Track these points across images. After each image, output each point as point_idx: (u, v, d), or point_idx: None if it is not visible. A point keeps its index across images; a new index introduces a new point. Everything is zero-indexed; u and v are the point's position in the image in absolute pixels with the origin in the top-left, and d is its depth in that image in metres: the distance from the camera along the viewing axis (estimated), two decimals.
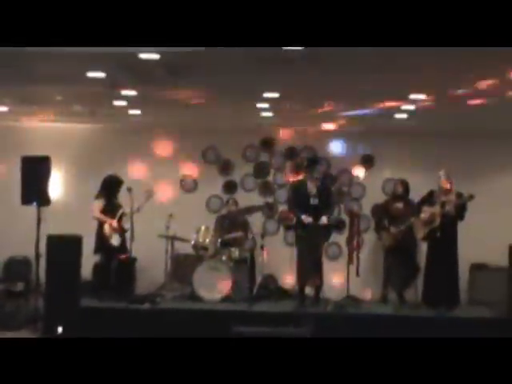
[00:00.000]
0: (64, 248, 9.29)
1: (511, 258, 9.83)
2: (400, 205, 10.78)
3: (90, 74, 7.44)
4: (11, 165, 10.05)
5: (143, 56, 6.39)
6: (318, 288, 10.18)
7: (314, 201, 10.18)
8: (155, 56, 6.40)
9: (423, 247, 10.60)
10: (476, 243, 11.06)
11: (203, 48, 5.74)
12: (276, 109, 10.03)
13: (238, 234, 11.16)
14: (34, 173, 9.49)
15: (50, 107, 10.43)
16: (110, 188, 10.42)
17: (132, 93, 8.66)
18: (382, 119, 10.70)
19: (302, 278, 10.13)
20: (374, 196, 11.85)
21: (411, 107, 9.42)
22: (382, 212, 11.15)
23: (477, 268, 11.53)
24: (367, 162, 12.22)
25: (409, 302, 10.42)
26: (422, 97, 8.59)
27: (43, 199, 9.47)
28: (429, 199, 10.12)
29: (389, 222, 10.81)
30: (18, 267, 11.41)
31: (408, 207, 10.64)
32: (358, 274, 10.00)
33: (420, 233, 10.20)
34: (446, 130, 11.20)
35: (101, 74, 7.42)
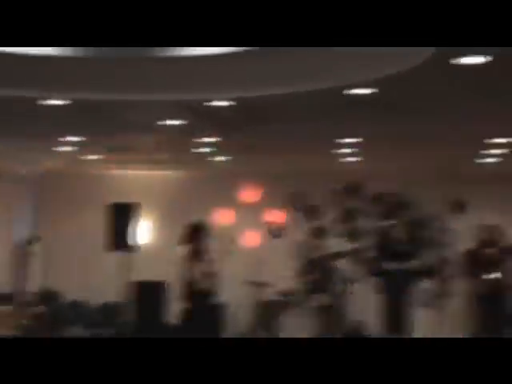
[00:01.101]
0: (151, 293, 9.46)
1: None
2: (493, 251, 10.45)
3: (170, 122, 7.61)
4: (102, 211, 10.32)
5: (215, 103, 6.50)
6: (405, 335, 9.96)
7: (401, 246, 10.02)
8: (226, 103, 6.51)
9: None
10: None
11: (278, 91, 5.81)
12: (360, 153, 9.99)
13: (325, 280, 11.05)
14: (123, 219, 9.72)
15: (139, 155, 10.70)
16: (196, 234, 10.54)
17: (212, 139, 8.80)
18: (470, 163, 10.52)
19: (388, 326, 9.94)
20: (466, 242, 11.53)
21: (498, 151, 9.22)
22: (473, 258, 10.83)
23: None
24: (459, 207, 11.97)
25: None
26: (503, 141, 8.40)
27: (132, 245, 9.66)
28: None
29: (481, 268, 10.48)
30: (110, 312, 11.64)
31: (501, 253, 10.30)
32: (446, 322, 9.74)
33: None
34: None
35: (178, 122, 7.58)
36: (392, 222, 10.50)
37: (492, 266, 10.29)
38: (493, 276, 10.22)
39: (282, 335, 10.38)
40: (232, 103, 6.64)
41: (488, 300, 10.30)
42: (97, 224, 10.60)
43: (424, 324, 10.00)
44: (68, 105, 7.02)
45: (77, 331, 11.16)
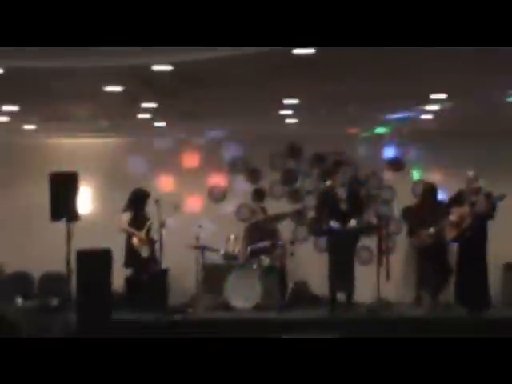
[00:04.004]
0: (94, 262, 9.37)
1: None
2: (429, 207, 10.65)
3: (108, 89, 7.50)
4: (40, 181, 10.14)
5: (156, 68, 6.43)
6: (350, 293, 10.13)
7: (343, 206, 10.15)
8: (168, 67, 6.44)
9: (455, 248, 10.45)
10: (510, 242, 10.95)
11: (216, 55, 5.79)
12: (300, 115, 10.02)
13: (268, 241, 11.14)
14: (63, 189, 9.57)
15: (76, 123, 10.53)
16: (137, 201, 10.48)
17: (152, 105, 8.71)
18: (408, 121, 10.66)
19: (333, 284, 10.09)
20: (405, 199, 11.74)
21: (435, 107, 9.35)
22: (412, 214, 11.04)
23: (510, 268, 11.37)
24: (396, 164, 12.15)
25: (443, 304, 10.31)
26: (443, 97, 8.53)
27: (72, 215, 9.54)
28: (458, 200, 10.00)
29: (420, 224, 10.68)
30: (52, 282, 11.50)
31: (438, 209, 10.51)
32: (388, 277, 9.93)
33: (450, 234, 10.06)
34: (474, 130, 11.09)
35: (118, 88, 7.48)
36: (330, 181, 10.58)
37: (430, 221, 10.48)
38: (432, 231, 10.41)
39: (226, 298, 10.44)
40: (170, 68, 6.57)
41: (428, 254, 10.52)
42: (39, 194, 10.40)
43: (367, 281, 10.16)
44: (1, 73, 6.85)
45: (20, 303, 11.02)
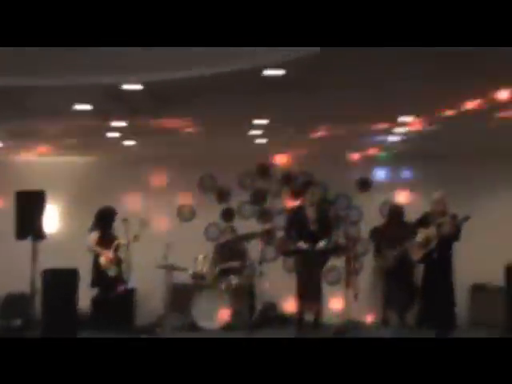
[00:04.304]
0: (60, 282, 9.28)
1: (508, 279, 9.76)
2: (396, 228, 10.71)
3: (78, 107, 7.46)
4: (6, 200, 10.04)
5: (126, 87, 6.41)
6: (318, 313, 10.13)
7: (311, 226, 10.17)
8: (138, 86, 6.42)
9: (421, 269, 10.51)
10: (476, 263, 11.03)
11: (186, 75, 5.79)
12: (269, 135, 10.04)
13: (236, 262, 11.12)
14: (29, 207, 9.49)
15: (44, 141, 10.45)
16: (105, 219, 10.38)
17: (122, 124, 8.67)
18: (375, 142, 10.74)
19: (301, 304, 10.08)
20: (372, 219, 11.80)
21: (403, 129, 9.44)
22: (379, 235, 11.10)
23: (477, 289, 11.47)
24: (364, 185, 12.22)
25: (409, 325, 10.35)
26: (410, 119, 8.61)
27: (38, 233, 9.45)
28: (424, 221, 10.04)
29: (386, 244, 10.74)
30: (15, 303, 11.35)
31: (404, 230, 10.56)
32: (356, 297, 9.95)
33: (416, 255, 10.09)
34: (440, 152, 11.21)
35: (87, 107, 7.44)
36: (299, 201, 10.62)
37: (397, 241, 10.53)
38: (398, 251, 10.46)
39: (194, 319, 10.39)
40: (140, 87, 6.56)
41: (395, 275, 10.57)
42: (4, 213, 10.26)
43: (336, 301, 10.18)
44: None
45: None
